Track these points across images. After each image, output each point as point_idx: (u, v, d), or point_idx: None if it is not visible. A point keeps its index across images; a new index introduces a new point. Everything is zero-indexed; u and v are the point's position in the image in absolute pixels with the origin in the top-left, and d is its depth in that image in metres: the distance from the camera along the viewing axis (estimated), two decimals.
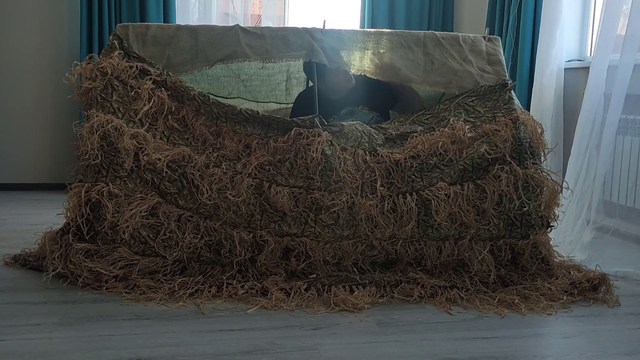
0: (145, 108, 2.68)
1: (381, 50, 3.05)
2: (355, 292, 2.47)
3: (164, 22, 4.73)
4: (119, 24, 2.91)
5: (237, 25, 2.95)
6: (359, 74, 3.06)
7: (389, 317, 2.31)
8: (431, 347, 2.06)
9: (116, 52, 2.77)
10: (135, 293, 2.43)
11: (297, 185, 2.65)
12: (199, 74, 3.00)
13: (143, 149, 2.60)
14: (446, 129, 2.82)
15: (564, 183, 2.90)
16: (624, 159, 3.39)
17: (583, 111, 3.46)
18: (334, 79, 3.09)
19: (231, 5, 5.27)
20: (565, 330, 2.27)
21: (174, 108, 2.74)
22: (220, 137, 2.75)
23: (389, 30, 3.14)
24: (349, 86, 3.14)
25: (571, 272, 2.77)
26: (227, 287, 2.48)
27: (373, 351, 2.01)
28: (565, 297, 2.52)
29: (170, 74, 2.81)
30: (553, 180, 2.77)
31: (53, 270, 2.52)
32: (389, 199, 2.68)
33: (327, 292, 2.48)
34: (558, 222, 2.86)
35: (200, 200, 2.60)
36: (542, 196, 2.75)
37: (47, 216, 3.73)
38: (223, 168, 2.65)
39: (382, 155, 2.73)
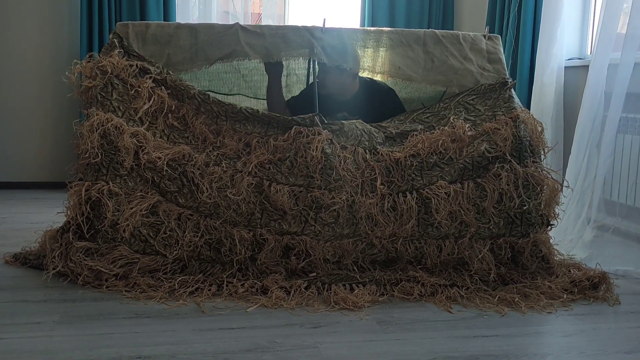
0: (145, 106, 2.67)
1: (381, 49, 3.05)
2: (356, 291, 2.47)
3: (164, 21, 4.73)
4: (119, 23, 2.91)
5: (237, 23, 2.95)
6: (369, 77, 3.06)
7: (389, 315, 2.31)
8: (431, 345, 2.06)
9: (116, 51, 2.77)
10: (136, 291, 2.43)
11: (297, 184, 2.65)
12: (199, 72, 3.00)
13: (143, 148, 2.60)
14: (446, 127, 2.82)
15: (564, 182, 2.90)
16: (625, 158, 3.39)
17: (583, 110, 3.46)
18: (338, 79, 3.07)
19: (231, 3, 5.27)
20: (565, 328, 2.27)
21: (174, 106, 2.74)
22: (220, 135, 2.75)
23: (389, 28, 3.14)
24: (353, 90, 3.12)
25: (571, 270, 2.77)
26: (227, 285, 2.48)
27: (373, 349, 2.01)
28: (565, 296, 2.52)
29: (170, 72, 2.81)
30: (553, 179, 2.77)
31: (53, 269, 2.52)
32: (389, 197, 2.68)
33: (327, 290, 2.48)
34: (558, 220, 2.86)
35: (200, 198, 2.60)
36: (542, 194, 2.75)
37: (47, 215, 3.73)
38: (223, 166, 2.65)
39: (382, 154, 2.73)
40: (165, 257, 2.56)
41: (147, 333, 2.08)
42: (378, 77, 3.16)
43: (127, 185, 2.60)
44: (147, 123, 2.68)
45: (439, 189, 2.68)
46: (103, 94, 2.67)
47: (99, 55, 2.78)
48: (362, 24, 5.21)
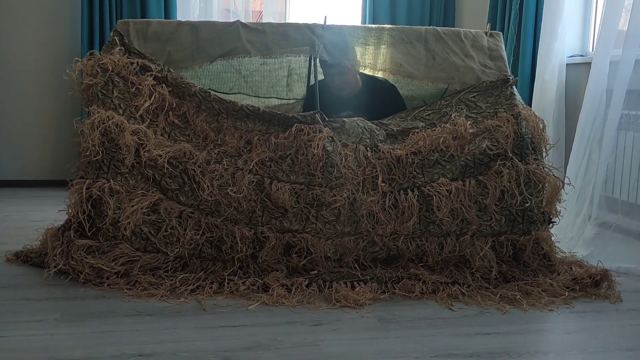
0: (146, 104, 2.67)
1: (382, 46, 3.04)
2: (357, 288, 2.47)
3: (164, 19, 4.72)
4: (119, 20, 2.91)
5: (238, 21, 2.95)
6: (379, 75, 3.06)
7: (390, 313, 2.31)
8: (432, 342, 2.06)
9: (117, 49, 2.77)
10: (137, 289, 2.43)
11: (298, 182, 2.65)
12: (200, 69, 3.00)
13: (144, 146, 2.60)
14: (448, 124, 2.81)
15: (566, 179, 2.89)
16: (626, 155, 3.38)
17: (584, 107, 3.45)
18: (343, 77, 3.07)
19: (232, 1, 5.26)
20: (566, 326, 2.27)
21: (174, 104, 2.74)
22: (221, 133, 2.74)
23: (390, 25, 3.13)
24: (356, 88, 3.11)
25: (573, 268, 2.76)
26: (228, 283, 2.48)
27: (374, 347, 2.01)
28: (567, 293, 2.51)
29: (171, 70, 2.81)
30: (555, 176, 2.77)
31: (54, 267, 2.52)
32: (390, 195, 2.67)
33: (328, 288, 2.48)
34: (560, 218, 2.85)
35: (201, 196, 2.60)
36: (544, 192, 2.74)
37: (48, 213, 3.73)
38: (224, 164, 2.64)
39: (383, 151, 2.73)
40: (166, 255, 2.56)
41: (149, 331, 2.08)
42: (379, 75, 3.16)
43: (128, 183, 2.60)
44: (148, 121, 2.68)
45: (441, 187, 2.67)
46: (104, 92, 2.67)
47: (100, 53, 2.78)
48: (363, 21, 5.21)
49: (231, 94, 3.19)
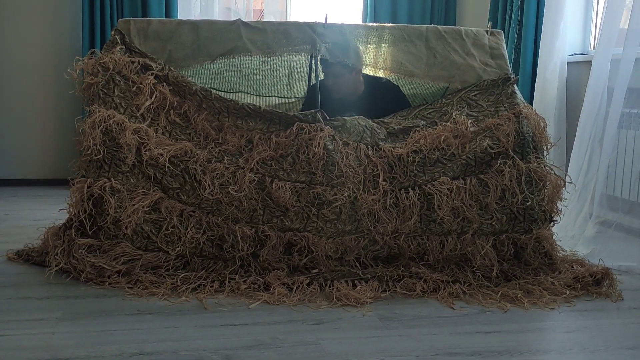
0: (147, 103, 2.67)
1: (383, 45, 3.04)
2: (358, 287, 2.47)
3: (165, 17, 4.72)
4: (120, 19, 2.91)
5: (239, 19, 2.94)
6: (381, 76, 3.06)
7: (391, 311, 2.31)
8: (434, 341, 2.06)
9: (118, 47, 2.77)
10: (138, 288, 2.43)
11: (299, 180, 2.65)
12: (201, 68, 3.00)
13: (145, 144, 2.60)
14: (449, 123, 2.81)
15: (567, 177, 2.89)
16: (627, 153, 3.38)
17: (585, 105, 3.45)
18: (345, 77, 3.06)
19: (233, 0, 5.26)
20: (568, 324, 2.27)
21: (175, 103, 2.74)
22: (222, 132, 2.74)
23: (391, 24, 3.13)
24: (359, 89, 3.11)
25: (574, 266, 2.76)
26: (229, 282, 2.48)
27: (375, 346, 2.01)
28: (568, 292, 2.51)
29: (172, 69, 2.81)
30: (556, 175, 2.77)
31: (56, 266, 2.52)
32: (391, 193, 2.67)
33: (329, 286, 2.48)
34: (561, 216, 2.85)
35: (202, 195, 2.60)
36: (545, 190, 2.74)
37: (49, 212, 3.74)
38: (225, 163, 2.64)
39: (384, 150, 2.73)
40: (167, 253, 2.56)
41: (150, 330, 2.08)
42: (380, 73, 3.16)
43: (129, 182, 2.60)
44: (149, 120, 2.68)
45: (442, 185, 2.67)
46: (105, 91, 2.67)
47: (101, 52, 2.78)
48: (364, 20, 5.21)
49: (232, 92, 3.19)
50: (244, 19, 2.98)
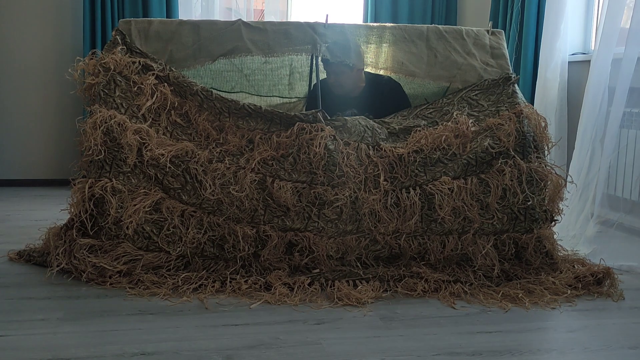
0: (148, 103, 2.67)
1: (384, 44, 3.04)
2: (359, 287, 2.47)
3: (166, 18, 4.73)
4: (121, 20, 2.92)
5: (240, 20, 2.95)
6: (383, 74, 3.06)
7: (392, 311, 2.31)
8: (435, 341, 2.06)
9: (119, 48, 2.77)
10: (139, 288, 2.43)
11: (300, 180, 2.65)
12: (202, 68, 3.00)
13: (146, 145, 2.60)
14: (450, 123, 2.81)
15: (568, 177, 2.89)
16: (629, 153, 3.38)
17: (586, 105, 3.45)
18: (346, 76, 3.07)
19: (234, 0, 5.26)
20: (569, 324, 2.27)
21: (176, 103, 2.74)
22: (223, 132, 2.75)
23: (391, 24, 3.13)
24: (361, 86, 3.11)
25: (575, 266, 2.76)
26: (230, 282, 2.48)
27: (377, 346, 2.01)
28: (569, 291, 2.51)
29: (173, 69, 2.81)
30: (557, 174, 2.76)
31: (57, 266, 2.52)
32: (392, 193, 2.67)
33: (330, 286, 2.48)
34: (562, 216, 2.85)
35: (203, 195, 2.60)
36: (546, 190, 2.74)
37: (51, 212, 3.74)
38: (226, 163, 2.65)
39: (385, 150, 2.73)
40: (168, 253, 2.56)
41: (151, 330, 2.09)
42: (381, 73, 3.15)
43: (130, 182, 2.60)
44: (150, 120, 2.68)
45: (443, 185, 2.67)
46: (106, 91, 2.67)
47: (102, 53, 2.78)
48: (365, 20, 5.21)
49: (233, 92, 3.19)
50: (244, 19, 2.98)
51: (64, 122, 4.82)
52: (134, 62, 2.74)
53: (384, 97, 3.08)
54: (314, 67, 3.09)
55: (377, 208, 2.64)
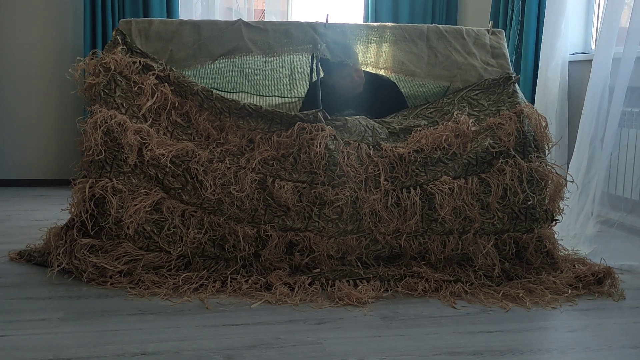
0: (149, 103, 2.68)
1: (384, 44, 3.04)
2: (359, 287, 2.47)
3: (167, 18, 4.73)
4: (122, 20, 2.92)
5: (240, 19, 2.95)
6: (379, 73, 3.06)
7: (393, 311, 2.31)
8: (435, 341, 2.06)
9: (119, 48, 2.78)
10: (140, 288, 2.43)
11: (301, 180, 2.65)
12: (202, 68, 3.00)
13: (147, 145, 2.61)
14: (450, 122, 2.81)
15: (568, 176, 2.89)
16: (629, 152, 3.38)
17: (587, 104, 3.45)
18: (346, 76, 3.07)
19: (234, 0, 5.26)
20: (570, 323, 2.27)
21: (177, 103, 2.75)
22: (223, 132, 2.75)
23: (392, 24, 3.13)
24: (359, 89, 3.11)
25: (576, 265, 2.76)
26: (231, 281, 2.48)
27: (377, 345, 2.01)
28: (570, 291, 2.51)
29: (174, 69, 2.81)
30: (557, 174, 2.76)
31: (58, 266, 2.53)
32: (392, 193, 2.67)
33: (331, 286, 2.48)
34: (562, 215, 2.85)
35: (204, 195, 2.60)
36: (547, 189, 2.74)
37: (51, 212, 3.74)
38: (227, 163, 2.65)
39: (385, 150, 2.73)
40: (169, 253, 2.56)
41: (152, 329, 2.09)
42: (382, 73, 3.15)
43: (130, 182, 2.60)
44: (151, 120, 2.68)
45: (443, 185, 2.67)
46: (106, 91, 2.68)
47: (102, 53, 2.78)
48: (366, 20, 5.21)
49: (233, 92, 3.19)
50: (245, 19, 2.98)
51: (64, 122, 4.83)
52: (134, 62, 2.74)
53: (381, 96, 3.09)
54: (314, 66, 3.09)
55: (378, 208, 2.64)
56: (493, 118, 2.82)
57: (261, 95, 3.29)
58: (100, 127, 2.58)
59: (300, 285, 2.47)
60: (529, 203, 2.69)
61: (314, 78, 3.12)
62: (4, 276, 2.60)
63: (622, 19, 3.36)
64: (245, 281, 2.48)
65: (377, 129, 2.81)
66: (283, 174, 2.65)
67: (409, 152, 2.72)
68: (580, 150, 3.46)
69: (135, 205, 2.54)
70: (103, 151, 2.58)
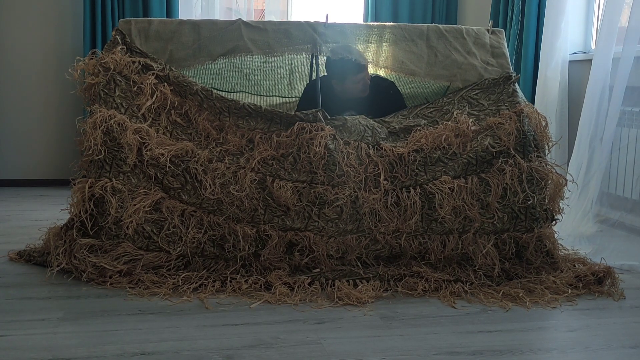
0: (148, 103, 2.67)
1: (384, 44, 3.03)
2: (359, 286, 2.47)
3: (166, 18, 4.73)
4: (121, 19, 2.91)
5: (240, 19, 2.95)
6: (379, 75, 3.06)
7: (393, 311, 2.31)
8: (435, 340, 2.05)
9: (119, 48, 2.77)
10: (139, 288, 2.43)
11: (301, 180, 2.65)
12: (202, 68, 3.00)
13: (146, 144, 2.60)
14: (450, 122, 2.81)
15: (568, 176, 2.89)
16: (630, 152, 3.38)
17: (587, 104, 3.45)
18: (360, 80, 3.06)
19: (234, 0, 5.26)
20: (570, 323, 2.27)
21: (176, 103, 2.74)
22: (223, 131, 2.75)
23: (392, 23, 3.13)
24: (367, 92, 3.11)
25: (576, 265, 2.76)
26: (230, 281, 2.48)
27: (377, 345, 2.01)
28: (570, 291, 2.51)
29: (173, 68, 2.81)
30: (557, 174, 2.76)
31: (57, 266, 2.52)
32: (392, 192, 2.67)
33: (330, 286, 2.48)
34: (562, 215, 2.85)
35: (203, 195, 2.60)
36: (547, 189, 2.74)
37: (51, 212, 3.74)
38: (226, 163, 2.64)
39: (385, 149, 2.73)
40: (168, 253, 2.56)
41: (151, 329, 2.09)
42: (381, 72, 3.16)
43: (130, 181, 2.60)
44: (150, 119, 2.68)
45: (443, 184, 2.67)
46: (106, 91, 2.67)
47: (102, 52, 2.78)
48: (365, 19, 5.20)
49: (233, 92, 3.19)
50: (244, 19, 2.98)
51: (64, 122, 4.82)
52: (134, 62, 2.74)
53: (380, 96, 3.08)
54: (314, 66, 3.09)
55: (378, 207, 2.63)
56: (493, 117, 2.82)
57: (261, 95, 3.28)
58: (99, 127, 2.57)
59: (300, 285, 2.46)
60: (529, 203, 2.69)
61: (314, 77, 3.12)
62: (4, 276, 2.60)
63: (623, 19, 3.35)
64: (244, 281, 2.48)
65: (377, 128, 2.81)
66: (283, 173, 2.65)
67: (409, 152, 2.72)
68: (580, 149, 3.46)
69: (135, 205, 2.54)
70: (102, 151, 2.57)
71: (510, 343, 2.05)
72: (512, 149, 2.71)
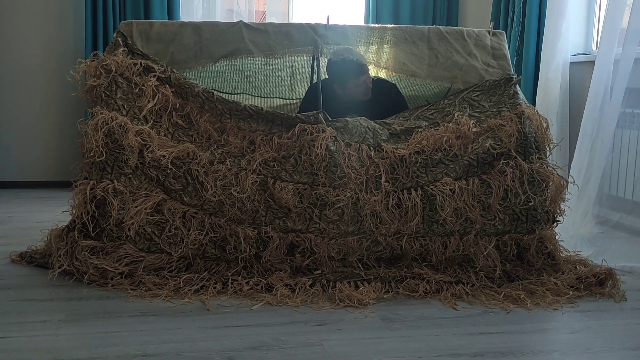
0: (150, 105, 2.68)
1: (385, 45, 3.04)
2: (360, 288, 2.47)
3: (168, 19, 4.73)
4: (123, 21, 2.92)
5: (241, 21, 2.95)
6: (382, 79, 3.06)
7: (394, 312, 2.31)
8: (436, 342, 2.05)
9: (120, 49, 2.78)
10: (141, 290, 2.43)
11: (302, 181, 2.65)
12: (203, 70, 3.01)
13: (147, 146, 2.61)
14: (451, 124, 2.81)
15: (570, 177, 2.89)
16: (630, 153, 3.37)
17: (588, 105, 3.45)
18: (361, 84, 3.06)
19: (235, 1, 5.26)
20: (571, 325, 2.26)
21: (178, 105, 2.75)
22: (224, 133, 2.75)
23: (393, 25, 3.13)
24: (369, 95, 3.11)
25: (577, 266, 2.76)
26: (232, 283, 2.48)
27: (378, 347, 2.01)
28: (571, 292, 2.51)
29: (174, 70, 2.81)
30: (559, 175, 2.76)
31: (59, 268, 2.53)
32: (393, 194, 2.67)
33: (332, 288, 2.48)
34: (564, 216, 2.85)
35: (205, 196, 2.60)
36: (548, 191, 2.74)
37: (52, 213, 3.74)
38: (227, 164, 2.65)
39: (386, 151, 2.73)
40: (170, 255, 2.56)
41: (153, 331, 2.09)
42: (383, 73, 3.16)
43: (131, 183, 2.60)
44: (152, 121, 2.68)
45: (444, 186, 2.67)
46: (107, 93, 2.68)
47: (103, 54, 2.78)
48: (367, 21, 5.21)
49: (234, 94, 3.19)
50: (246, 21, 2.99)
51: (65, 123, 4.83)
52: (135, 64, 2.74)
53: (382, 98, 3.08)
54: (315, 68, 3.09)
55: (379, 209, 2.64)
56: (494, 119, 2.82)
57: (262, 97, 3.29)
58: (101, 129, 2.58)
59: (301, 287, 2.46)
60: (530, 204, 2.69)
61: (315, 79, 3.12)
62: (5, 278, 2.61)
63: (624, 20, 3.35)
64: (246, 282, 2.48)
65: (378, 130, 2.81)
66: (284, 175, 2.65)
67: (410, 154, 2.72)
68: (581, 151, 3.46)
69: (136, 206, 2.55)
70: (104, 153, 2.58)
71: (511, 345, 2.05)
72: (513, 151, 2.71)
